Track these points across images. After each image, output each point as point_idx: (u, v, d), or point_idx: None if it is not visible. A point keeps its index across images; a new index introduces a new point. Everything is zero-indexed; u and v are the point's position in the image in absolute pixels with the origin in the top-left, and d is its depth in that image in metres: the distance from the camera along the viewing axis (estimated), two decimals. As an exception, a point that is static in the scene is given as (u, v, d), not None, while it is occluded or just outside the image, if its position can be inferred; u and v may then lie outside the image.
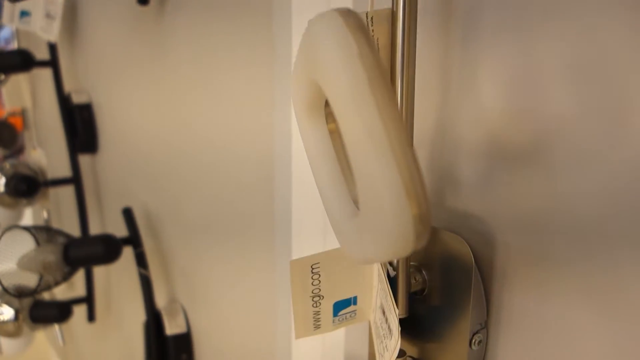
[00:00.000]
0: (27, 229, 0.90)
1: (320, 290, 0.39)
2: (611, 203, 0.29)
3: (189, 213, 0.81)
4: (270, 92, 0.55)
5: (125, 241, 0.94)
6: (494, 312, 0.37)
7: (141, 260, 0.92)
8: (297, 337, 0.41)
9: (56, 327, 1.39)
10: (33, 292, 0.90)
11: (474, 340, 0.37)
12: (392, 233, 0.22)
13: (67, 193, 1.31)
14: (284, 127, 0.53)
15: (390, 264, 0.36)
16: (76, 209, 1.24)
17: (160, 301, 0.96)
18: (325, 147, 0.28)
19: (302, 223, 0.54)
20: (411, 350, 0.41)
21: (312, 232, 0.53)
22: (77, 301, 1.27)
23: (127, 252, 0.97)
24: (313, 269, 0.37)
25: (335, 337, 0.52)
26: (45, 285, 0.89)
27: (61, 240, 0.90)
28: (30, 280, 0.89)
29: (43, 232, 0.90)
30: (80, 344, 1.62)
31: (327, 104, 0.28)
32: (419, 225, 0.21)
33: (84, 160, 1.25)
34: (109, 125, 1.13)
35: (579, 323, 0.31)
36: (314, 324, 0.41)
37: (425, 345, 0.40)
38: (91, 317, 1.30)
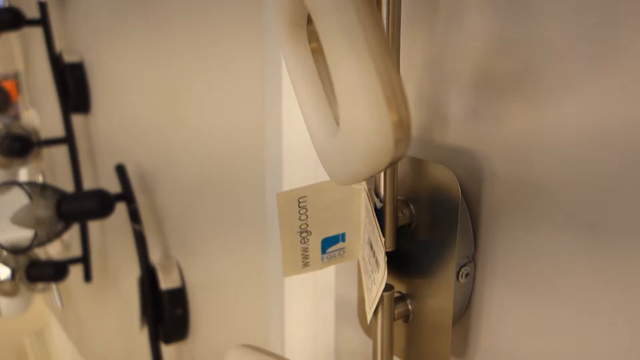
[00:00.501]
0: (20, 184, 0.90)
1: (307, 225, 0.39)
2: (597, 131, 0.28)
3: (182, 170, 0.81)
4: (261, 49, 0.54)
5: (119, 197, 0.94)
6: (481, 245, 0.37)
7: (135, 216, 0.92)
8: (286, 275, 0.41)
9: (54, 289, 1.40)
10: (28, 248, 0.90)
11: (461, 273, 0.37)
12: (371, 140, 0.21)
13: (61, 154, 1.31)
14: (274, 83, 0.52)
15: (377, 195, 0.35)
16: (70, 169, 1.23)
17: (155, 257, 0.96)
18: (307, 66, 0.28)
19: (292, 178, 0.54)
20: (399, 287, 0.41)
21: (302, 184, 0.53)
22: (73, 261, 1.27)
23: (122, 211, 0.97)
24: (300, 202, 0.37)
25: (326, 280, 0.53)
26: (39, 241, 0.90)
27: (55, 196, 0.89)
28: (24, 236, 0.89)
29: (36, 188, 0.90)
30: (78, 305, 1.64)
31: (309, 22, 0.28)
32: (399, 131, 0.21)
33: (77, 120, 1.24)
34: (101, 84, 1.12)
35: (567, 253, 0.31)
36: (302, 262, 0.41)
37: (413, 280, 0.40)
38: (88, 277, 1.30)
